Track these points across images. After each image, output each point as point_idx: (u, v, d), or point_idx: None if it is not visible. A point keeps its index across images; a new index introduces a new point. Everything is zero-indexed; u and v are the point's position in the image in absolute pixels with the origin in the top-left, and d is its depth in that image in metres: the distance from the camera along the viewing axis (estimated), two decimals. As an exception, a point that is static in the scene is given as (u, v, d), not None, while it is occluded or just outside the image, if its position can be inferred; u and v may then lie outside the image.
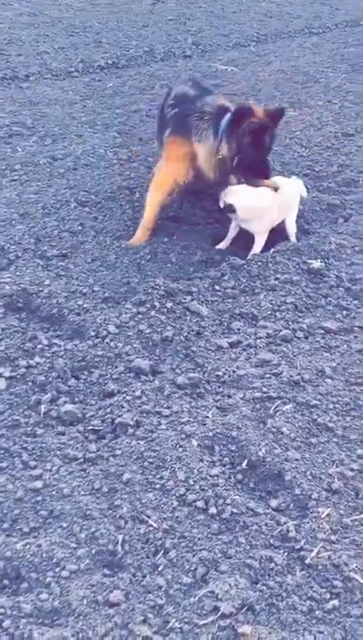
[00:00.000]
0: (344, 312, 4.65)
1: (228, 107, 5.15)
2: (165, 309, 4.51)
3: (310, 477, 3.40)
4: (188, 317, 4.50)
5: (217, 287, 4.78)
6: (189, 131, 5.19)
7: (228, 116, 5.04)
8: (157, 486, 3.33)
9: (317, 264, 5.00)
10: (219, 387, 4.01)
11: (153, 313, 4.45)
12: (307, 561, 3.02)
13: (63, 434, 3.64)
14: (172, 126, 5.31)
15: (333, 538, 3.13)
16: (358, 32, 10.94)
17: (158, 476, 3.37)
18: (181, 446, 3.53)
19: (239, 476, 3.44)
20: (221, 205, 5.03)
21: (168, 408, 3.79)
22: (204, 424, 3.69)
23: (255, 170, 5.13)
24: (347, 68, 9.15)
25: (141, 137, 6.95)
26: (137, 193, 5.89)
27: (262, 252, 5.13)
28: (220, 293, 4.74)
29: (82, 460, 3.48)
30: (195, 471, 3.39)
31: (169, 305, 4.54)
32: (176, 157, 5.26)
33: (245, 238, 5.19)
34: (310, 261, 5.02)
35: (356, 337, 4.43)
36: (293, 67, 9.18)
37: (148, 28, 10.55)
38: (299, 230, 5.39)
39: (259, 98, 7.81)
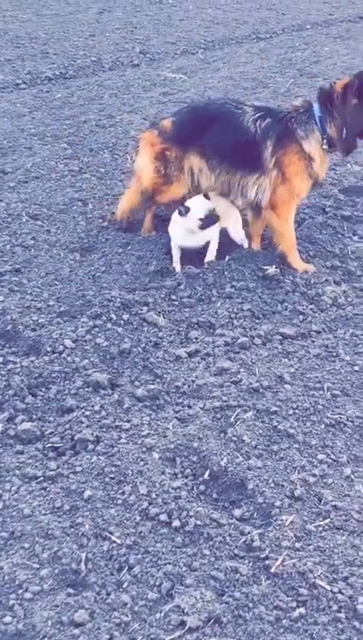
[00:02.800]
0: (301, 317, 4.66)
1: (309, 100, 5.13)
2: (122, 321, 4.48)
3: (272, 485, 3.40)
4: (145, 328, 4.47)
5: (173, 297, 4.76)
6: (293, 132, 5.00)
7: (316, 105, 5.01)
8: (119, 502, 3.30)
9: (272, 270, 5.01)
10: (179, 397, 3.99)
11: (110, 325, 4.42)
12: (272, 570, 3.01)
13: (22, 452, 3.59)
14: (274, 136, 5.00)
15: (297, 545, 3.12)
16: (306, 36, 11.02)
17: (120, 492, 3.34)
18: (142, 460, 3.50)
19: (202, 487, 3.42)
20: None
21: (128, 421, 3.77)
22: (164, 436, 3.67)
23: None
24: (295, 73, 9.21)
25: (91, 147, 6.91)
26: (90, 204, 5.85)
27: (217, 259, 5.11)
28: (176, 303, 4.72)
29: (42, 478, 3.43)
30: (157, 484, 3.37)
31: (126, 317, 4.51)
32: (296, 172, 5.04)
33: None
34: (266, 267, 5.03)
35: (313, 341, 4.45)
36: (241, 73, 9.21)
37: (95, 37, 10.52)
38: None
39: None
